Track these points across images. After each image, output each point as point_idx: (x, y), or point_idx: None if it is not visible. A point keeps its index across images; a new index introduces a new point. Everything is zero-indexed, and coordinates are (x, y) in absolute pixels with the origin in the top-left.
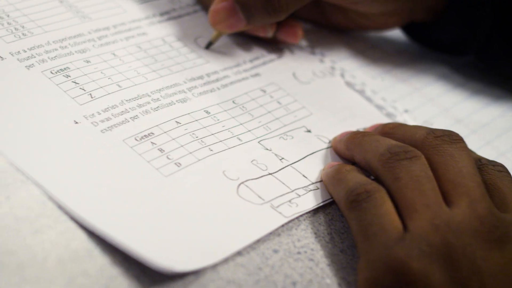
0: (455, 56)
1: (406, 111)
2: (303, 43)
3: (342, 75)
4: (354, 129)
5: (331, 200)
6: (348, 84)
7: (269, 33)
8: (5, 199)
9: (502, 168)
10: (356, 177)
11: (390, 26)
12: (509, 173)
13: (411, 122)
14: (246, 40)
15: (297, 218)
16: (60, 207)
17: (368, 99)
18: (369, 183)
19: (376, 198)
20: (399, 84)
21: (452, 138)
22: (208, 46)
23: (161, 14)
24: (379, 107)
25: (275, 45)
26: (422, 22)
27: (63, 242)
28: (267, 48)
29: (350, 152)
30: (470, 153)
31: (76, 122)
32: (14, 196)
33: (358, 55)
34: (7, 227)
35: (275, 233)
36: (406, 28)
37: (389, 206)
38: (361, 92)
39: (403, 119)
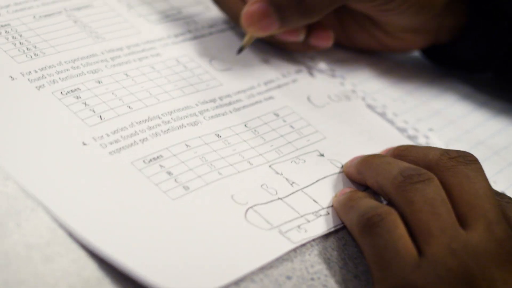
0: (473, 74)
1: (430, 129)
2: (323, 66)
3: (363, 98)
4: (372, 153)
5: (341, 226)
6: (369, 106)
7: (301, 36)
8: (15, 226)
9: (509, 200)
10: (367, 202)
11: (414, 46)
12: None
13: (434, 143)
14: (265, 59)
15: (309, 243)
16: (70, 234)
17: (390, 122)
18: (380, 207)
19: (388, 222)
20: (420, 106)
21: (467, 159)
22: (240, 51)
23: (176, 36)
24: (401, 130)
25: (305, 54)
26: (442, 44)
27: (75, 270)
28: (283, 71)
29: (361, 176)
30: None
31: (85, 144)
32: (24, 223)
33: (378, 77)
34: (18, 255)
35: (288, 259)
36: (425, 50)
37: (402, 230)
38: (383, 115)
39: (425, 141)
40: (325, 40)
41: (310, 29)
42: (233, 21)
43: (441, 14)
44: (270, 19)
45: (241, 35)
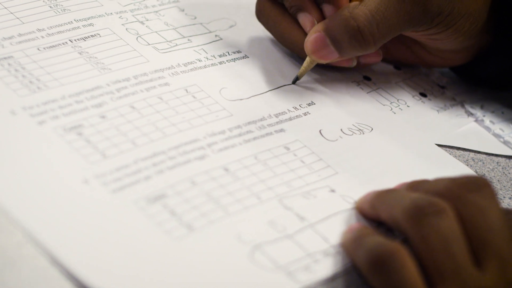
0: (498, 90)
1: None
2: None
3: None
4: (385, 188)
5: (349, 265)
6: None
7: (353, 63)
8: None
9: None
10: (376, 239)
11: (453, 63)
12: None
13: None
14: (276, 91)
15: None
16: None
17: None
18: (389, 243)
19: (398, 260)
20: None
21: (477, 185)
22: (296, 80)
23: (185, 64)
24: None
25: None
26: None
27: None
28: (295, 103)
29: (375, 211)
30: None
31: (86, 182)
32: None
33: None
34: None
35: None
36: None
37: (412, 269)
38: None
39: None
40: (375, 57)
41: None
42: (289, 47)
43: (479, 35)
44: (328, 49)
45: (253, 64)
